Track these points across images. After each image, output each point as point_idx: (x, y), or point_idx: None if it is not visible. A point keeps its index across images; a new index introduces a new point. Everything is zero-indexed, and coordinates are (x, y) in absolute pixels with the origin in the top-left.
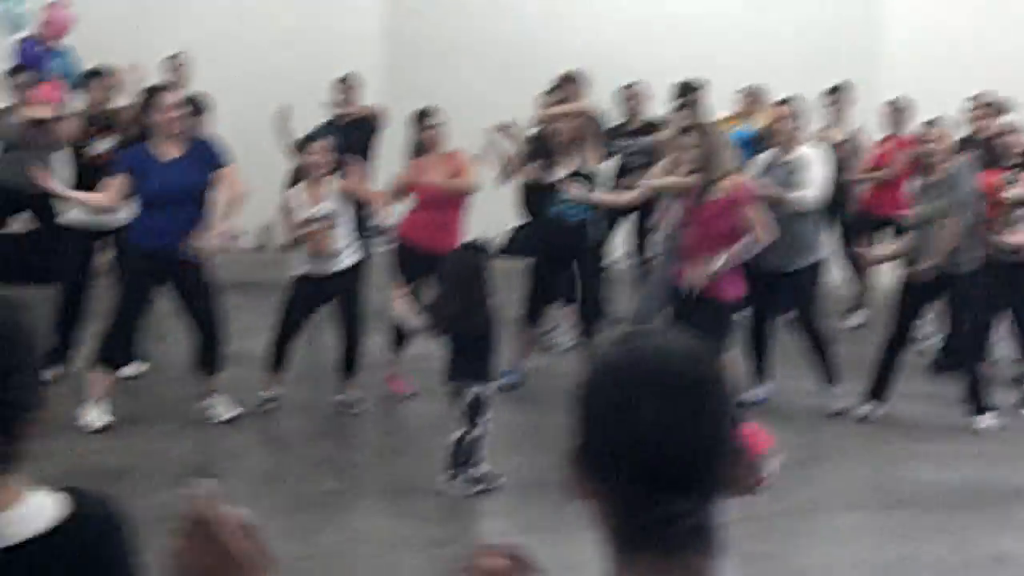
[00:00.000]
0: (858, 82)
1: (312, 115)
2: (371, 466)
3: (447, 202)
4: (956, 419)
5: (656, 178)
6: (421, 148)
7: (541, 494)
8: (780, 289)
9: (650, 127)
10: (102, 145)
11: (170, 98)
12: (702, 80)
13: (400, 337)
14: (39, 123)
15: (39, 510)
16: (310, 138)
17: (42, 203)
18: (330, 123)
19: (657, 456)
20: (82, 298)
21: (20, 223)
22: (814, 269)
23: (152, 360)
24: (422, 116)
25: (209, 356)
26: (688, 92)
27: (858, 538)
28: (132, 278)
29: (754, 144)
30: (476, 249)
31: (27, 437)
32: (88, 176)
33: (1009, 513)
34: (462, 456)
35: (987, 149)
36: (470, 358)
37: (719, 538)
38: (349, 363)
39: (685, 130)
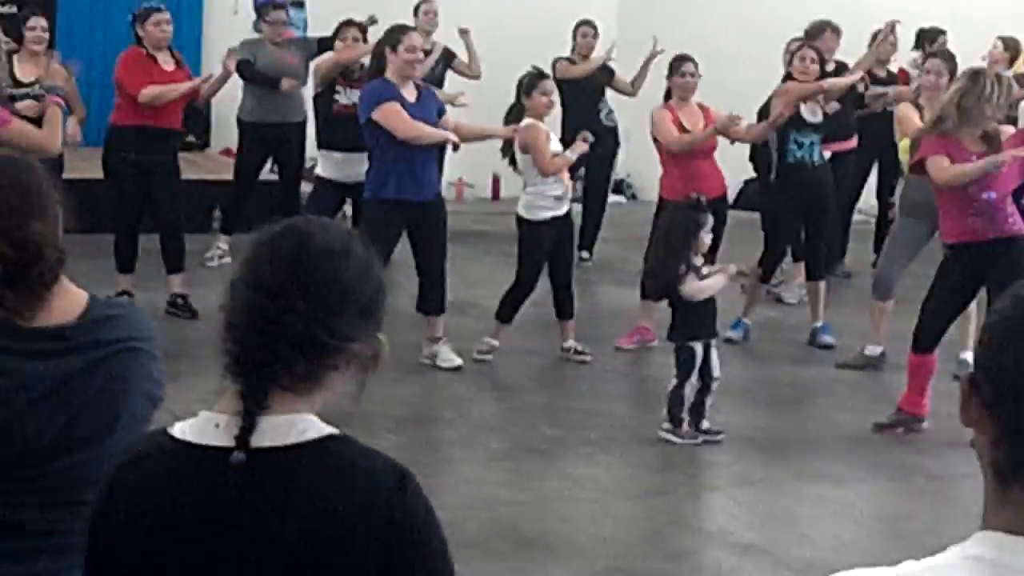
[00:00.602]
0: None
1: (545, 60)
2: (592, 414)
3: (696, 152)
4: None
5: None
6: (671, 94)
7: (760, 448)
8: None
9: (893, 77)
10: (348, 96)
11: (416, 38)
12: (942, 28)
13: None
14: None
15: (300, 426)
16: (540, 75)
17: (297, 146)
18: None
19: None
20: None
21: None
22: None
23: None
24: (678, 62)
25: (437, 299)
26: (931, 39)
27: None
28: (380, 229)
29: None
30: (693, 207)
31: (340, 369)
32: (331, 126)
33: None
34: (680, 408)
35: None
36: (688, 314)
37: None
38: (566, 308)
39: (972, 76)
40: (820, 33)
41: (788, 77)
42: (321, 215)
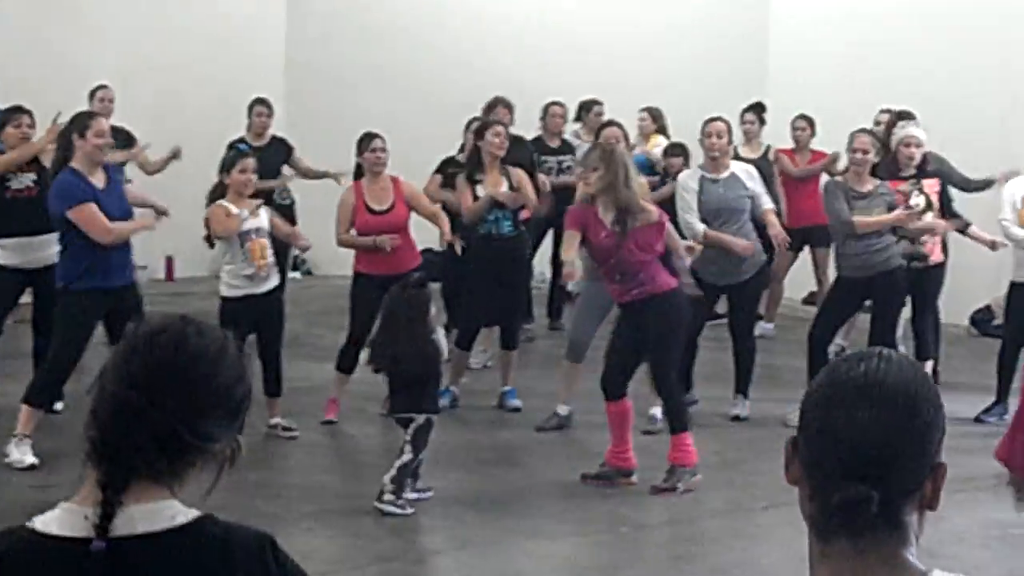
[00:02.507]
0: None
1: (216, 139)
2: (306, 488)
3: (401, 228)
4: None
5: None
6: (361, 171)
7: (476, 508)
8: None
9: (567, 146)
10: (20, 181)
11: (104, 124)
12: (599, 99)
13: (342, 364)
14: None
15: (168, 512)
16: (238, 155)
17: None
18: (243, 141)
19: (852, 450)
20: None
21: None
22: (760, 277)
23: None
24: (365, 139)
25: None
26: (588, 109)
27: (775, 534)
28: (77, 317)
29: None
30: (417, 287)
31: (197, 466)
32: (6, 213)
33: None
34: (405, 479)
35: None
36: (415, 391)
37: (907, 533)
38: (273, 386)
39: (593, 150)
40: (494, 108)
41: (476, 151)
42: (2, 302)
